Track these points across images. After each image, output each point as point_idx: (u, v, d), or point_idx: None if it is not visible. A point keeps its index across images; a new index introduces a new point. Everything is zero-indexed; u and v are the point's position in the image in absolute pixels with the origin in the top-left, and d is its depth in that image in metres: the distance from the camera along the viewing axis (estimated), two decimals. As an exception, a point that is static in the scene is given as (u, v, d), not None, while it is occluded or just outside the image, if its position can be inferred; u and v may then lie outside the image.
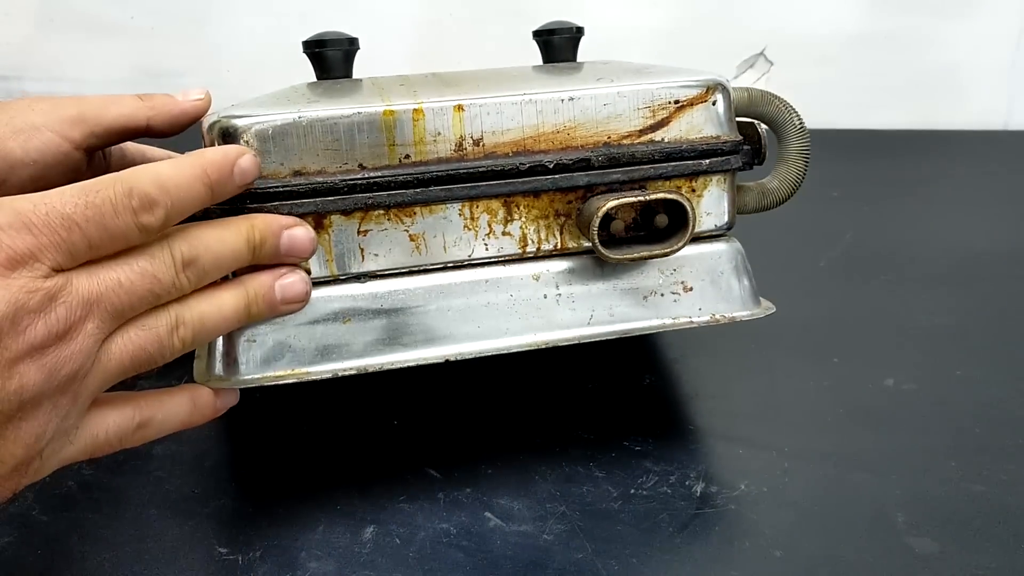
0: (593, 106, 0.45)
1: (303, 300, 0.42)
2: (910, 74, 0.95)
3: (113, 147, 0.51)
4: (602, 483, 0.48)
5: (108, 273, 0.35)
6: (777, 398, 0.54)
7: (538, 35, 0.53)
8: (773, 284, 0.58)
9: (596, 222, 0.43)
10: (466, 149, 0.43)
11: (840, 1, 0.91)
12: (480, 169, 0.43)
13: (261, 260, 0.40)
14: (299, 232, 0.41)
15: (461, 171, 0.43)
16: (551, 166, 0.44)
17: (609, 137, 0.45)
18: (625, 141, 0.45)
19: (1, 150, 0.45)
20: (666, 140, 0.46)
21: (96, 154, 0.50)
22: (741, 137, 0.48)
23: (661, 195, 0.44)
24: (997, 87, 0.96)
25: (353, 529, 0.45)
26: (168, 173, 0.36)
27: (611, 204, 0.43)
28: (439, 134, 0.43)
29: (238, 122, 0.41)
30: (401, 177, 0.43)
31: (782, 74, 0.94)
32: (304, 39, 0.48)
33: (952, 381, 0.57)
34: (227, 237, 0.38)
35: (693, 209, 0.45)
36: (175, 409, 0.40)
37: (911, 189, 0.84)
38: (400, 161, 0.43)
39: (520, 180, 0.44)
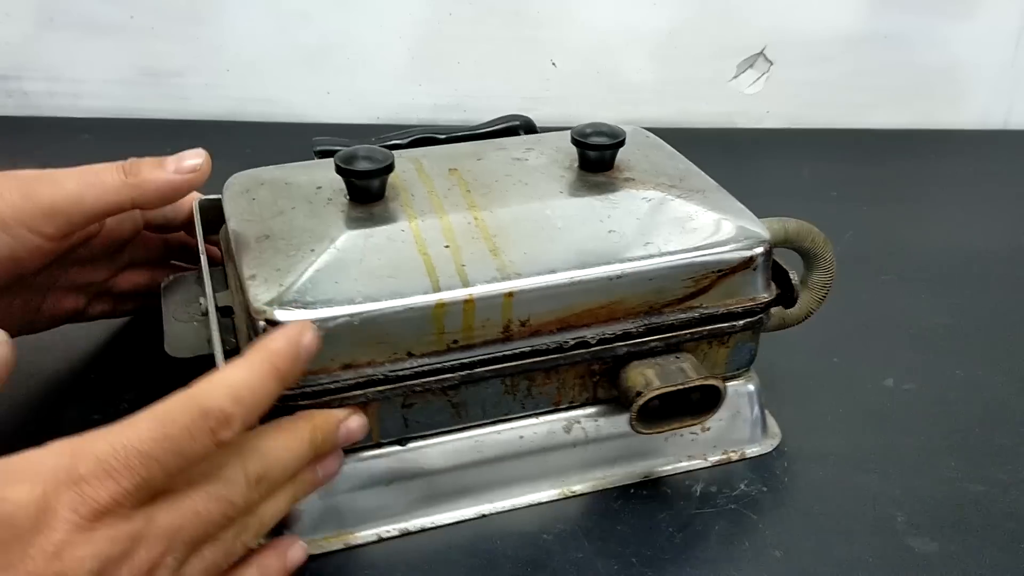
0: (639, 280, 0.44)
1: (338, 472, 0.41)
2: (910, 74, 0.95)
3: (105, 226, 0.50)
4: (602, 483, 0.48)
5: (186, 504, 0.34)
6: (777, 398, 0.54)
7: (577, 144, 0.50)
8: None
9: (635, 409, 0.43)
10: (512, 331, 0.43)
11: (840, 1, 0.91)
12: (525, 349, 0.43)
13: (319, 454, 0.40)
14: (354, 423, 0.41)
15: (507, 352, 0.43)
16: (594, 342, 0.44)
17: (651, 307, 0.45)
18: (666, 310, 0.45)
19: None
20: (704, 306, 0.46)
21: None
22: (776, 292, 0.48)
23: (699, 382, 0.44)
24: (997, 87, 0.96)
25: (353, 529, 0.45)
26: (241, 380, 0.34)
27: (652, 395, 0.43)
28: (488, 319, 0.42)
29: (286, 317, 0.39)
30: (449, 363, 0.42)
31: (782, 74, 0.94)
32: (339, 156, 0.46)
33: (952, 381, 0.57)
34: (293, 445, 0.38)
35: (725, 389, 0.45)
36: None
37: (911, 189, 0.84)
38: (448, 347, 0.42)
39: (563, 355, 0.44)
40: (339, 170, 0.45)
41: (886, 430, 0.52)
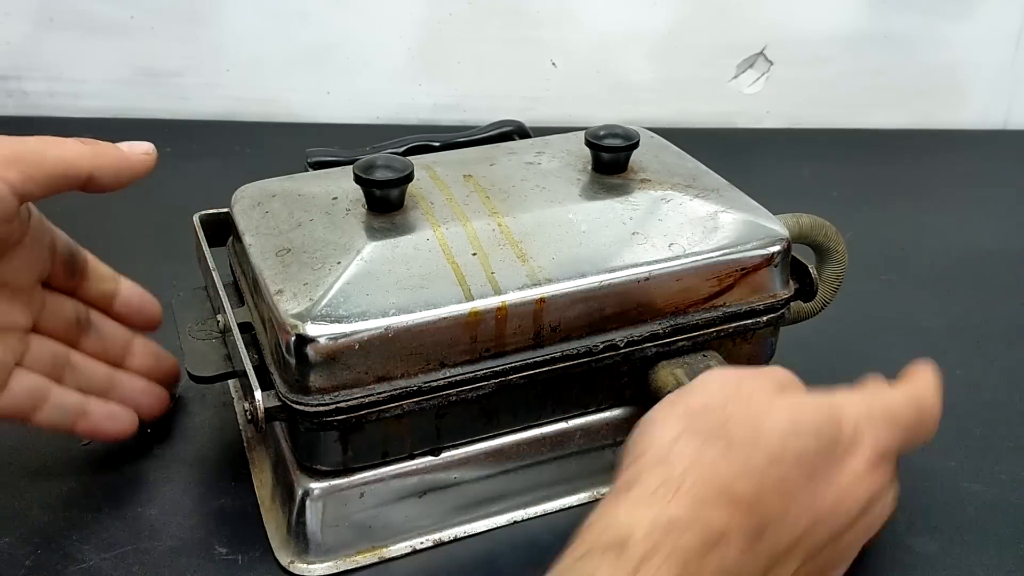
0: (667, 282, 0.45)
1: None
2: (910, 74, 0.95)
3: (32, 217, 0.46)
4: (602, 483, 0.48)
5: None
6: (777, 398, 0.53)
7: (592, 146, 0.50)
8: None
9: None
10: (544, 336, 0.43)
11: (840, 1, 0.91)
12: (556, 355, 0.43)
13: None
14: None
15: (538, 358, 0.43)
16: (623, 344, 0.44)
17: (677, 307, 0.45)
18: (691, 309, 0.46)
19: None
20: (727, 303, 0.46)
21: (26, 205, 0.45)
22: (795, 287, 0.48)
23: None
24: (997, 87, 0.96)
25: (353, 529, 0.45)
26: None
27: None
28: (520, 326, 0.42)
29: (318, 332, 0.39)
30: (481, 372, 0.42)
31: (782, 74, 0.94)
32: (357, 166, 0.45)
33: (952, 381, 0.57)
34: None
35: None
36: None
37: (911, 189, 0.84)
38: (480, 355, 0.42)
39: (593, 359, 0.44)
40: (358, 180, 0.45)
41: (886, 430, 0.52)
